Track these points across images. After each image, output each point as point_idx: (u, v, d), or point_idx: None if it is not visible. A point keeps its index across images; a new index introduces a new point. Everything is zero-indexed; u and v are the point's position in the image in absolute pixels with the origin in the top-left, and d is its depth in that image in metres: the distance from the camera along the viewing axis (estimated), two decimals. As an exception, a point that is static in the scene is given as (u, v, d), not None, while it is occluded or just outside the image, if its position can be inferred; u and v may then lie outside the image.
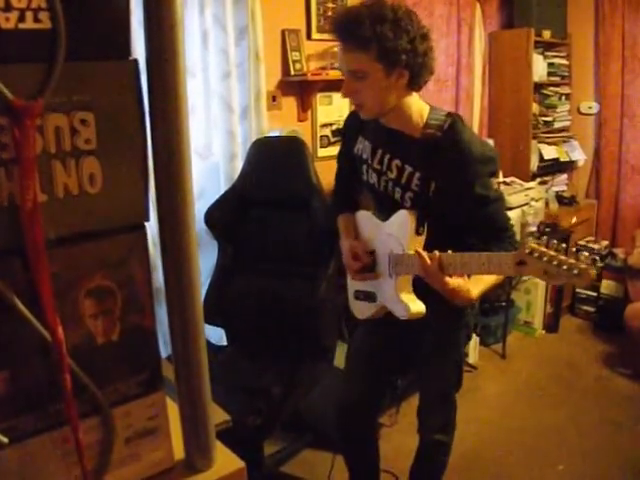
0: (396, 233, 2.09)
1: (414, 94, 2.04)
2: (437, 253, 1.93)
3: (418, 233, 2.02)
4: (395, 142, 2.08)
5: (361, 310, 2.35)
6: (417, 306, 2.07)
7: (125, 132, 0.82)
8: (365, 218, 2.30)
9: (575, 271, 1.53)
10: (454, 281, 1.93)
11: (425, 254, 1.93)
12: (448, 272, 1.91)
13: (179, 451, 1.00)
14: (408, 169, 2.07)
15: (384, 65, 1.89)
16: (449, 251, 1.91)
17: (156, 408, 0.94)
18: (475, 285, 2.02)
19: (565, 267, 1.54)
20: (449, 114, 2.07)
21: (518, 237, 4.27)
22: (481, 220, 2.05)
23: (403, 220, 2.06)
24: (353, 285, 2.36)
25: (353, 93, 2.00)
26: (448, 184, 2.01)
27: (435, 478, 2.60)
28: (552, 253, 1.58)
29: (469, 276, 2.00)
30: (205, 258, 3.12)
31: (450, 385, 2.47)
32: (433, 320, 2.18)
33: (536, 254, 1.60)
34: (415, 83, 1.98)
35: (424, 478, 2.64)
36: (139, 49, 0.85)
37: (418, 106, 2.07)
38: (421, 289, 2.09)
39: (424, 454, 2.58)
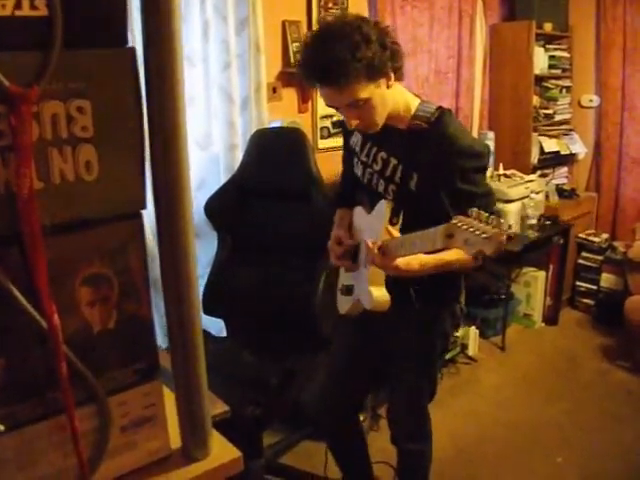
0: (374, 224, 2.08)
1: (398, 86, 2.03)
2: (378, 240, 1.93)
3: (392, 223, 2.00)
4: (383, 135, 2.05)
5: (341, 304, 2.35)
6: (381, 295, 2.04)
7: (122, 120, 0.81)
8: (358, 212, 2.29)
9: (484, 235, 1.53)
10: (402, 260, 1.89)
11: (370, 242, 1.93)
12: (394, 255, 1.88)
13: (176, 440, 1.00)
14: (393, 161, 2.07)
15: (375, 81, 1.88)
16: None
17: (152, 397, 0.95)
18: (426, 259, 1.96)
19: (478, 233, 1.54)
20: (439, 108, 2.05)
21: (518, 230, 4.27)
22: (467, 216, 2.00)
23: (380, 210, 2.06)
24: (340, 280, 2.36)
25: (358, 119, 1.96)
26: (430, 176, 1.99)
27: None
28: (474, 222, 1.57)
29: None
30: (205, 249, 3.12)
31: (420, 396, 2.43)
32: (404, 327, 2.21)
33: (462, 224, 1.59)
34: (399, 75, 1.97)
35: None
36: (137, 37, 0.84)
37: (404, 98, 2.05)
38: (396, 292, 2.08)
39: (402, 463, 2.60)
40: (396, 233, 1.92)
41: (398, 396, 2.47)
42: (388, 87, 1.94)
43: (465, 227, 1.57)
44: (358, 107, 1.91)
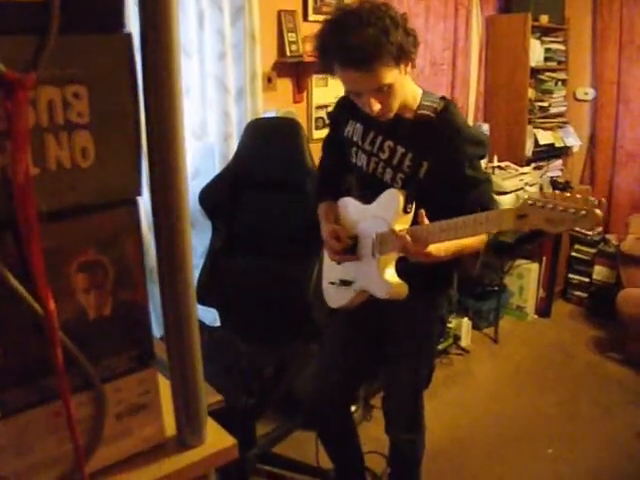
0: (382, 213, 2.08)
1: (407, 75, 2.03)
2: (407, 227, 1.94)
3: (406, 211, 2.01)
4: (388, 123, 2.06)
5: (336, 298, 2.35)
6: (399, 284, 2.06)
7: (118, 106, 0.81)
8: (347, 204, 2.28)
9: (583, 212, 1.54)
10: (433, 247, 1.89)
11: (397, 230, 1.94)
12: (427, 241, 1.88)
13: (171, 427, 1.00)
14: (400, 150, 2.07)
15: (399, 66, 1.89)
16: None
17: (148, 384, 0.95)
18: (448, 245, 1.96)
19: (572, 211, 1.55)
20: (443, 98, 2.09)
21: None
22: (469, 202, 1.99)
23: (391, 198, 2.05)
24: (329, 273, 2.37)
25: (382, 105, 1.96)
26: (440, 164, 2.01)
27: (409, 476, 2.61)
28: (555, 200, 1.59)
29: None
30: (200, 239, 3.12)
31: (418, 383, 2.45)
32: (403, 314, 2.23)
33: (539, 204, 1.60)
34: (414, 64, 1.98)
35: (399, 478, 2.66)
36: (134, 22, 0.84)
37: (411, 88, 2.07)
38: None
39: (395, 454, 2.60)
40: (426, 220, 1.90)
41: (396, 384, 2.47)
42: (406, 74, 1.96)
43: (542, 205, 1.59)
44: (381, 92, 1.91)
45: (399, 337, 2.36)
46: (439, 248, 1.91)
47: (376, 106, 1.94)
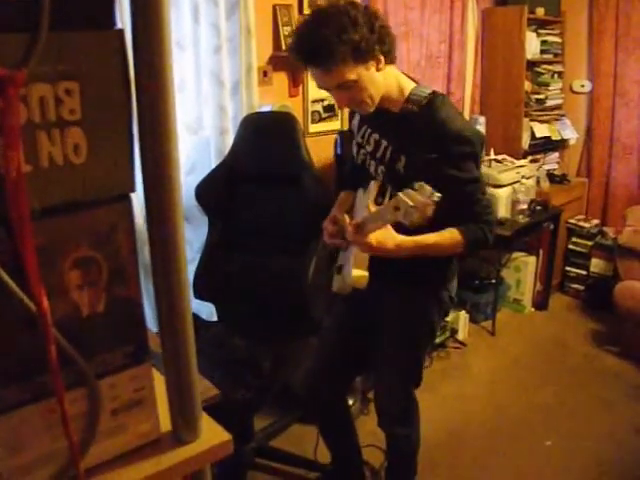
0: (363, 203, 2.13)
1: (392, 68, 2.07)
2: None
3: (377, 202, 2.03)
4: (377, 117, 2.10)
5: (334, 283, 2.35)
6: (357, 273, 2.08)
7: (110, 102, 0.81)
8: (359, 194, 2.33)
9: (411, 204, 1.59)
10: (374, 237, 1.90)
11: (346, 218, 2.00)
12: (367, 231, 1.90)
13: (166, 423, 1.00)
14: (384, 143, 2.11)
15: (363, 63, 1.92)
16: None
17: (142, 380, 0.95)
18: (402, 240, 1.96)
19: (411, 203, 1.60)
20: (433, 92, 2.07)
21: (508, 215, 4.28)
22: (454, 202, 1.89)
23: (369, 190, 2.11)
24: (338, 260, 2.38)
25: (348, 101, 2.03)
26: (417, 159, 2.01)
27: (405, 469, 2.62)
28: (412, 194, 1.62)
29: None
30: (196, 234, 3.12)
31: (405, 381, 2.45)
32: (388, 309, 2.27)
33: (405, 197, 1.63)
34: (390, 58, 2.01)
35: (395, 471, 2.67)
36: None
37: (398, 81, 2.09)
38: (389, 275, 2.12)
39: (391, 447, 2.62)
40: (373, 208, 1.93)
41: (383, 380, 2.48)
42: (378, 70, 1.98)
43: (406, 199, 1.61)
44: (347, 88, 1.95)
45: (383, 333, 2.37)
46: (383, 241, 1.92)
47: (340, 102, 2.05)
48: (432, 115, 2.00)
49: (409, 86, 2.09)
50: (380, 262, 2.03)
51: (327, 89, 2.03)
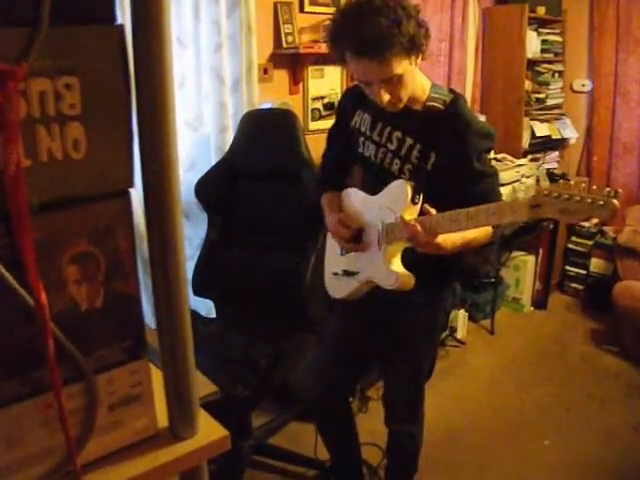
0: (389, 204, 2.07)
1: (416, 67, 2.04)
2: (419, 217, 1.94)
3: (414, 202, 2.01)
4: (397, 114, 2.07)
5: (338, 289, 2.34)
6: (406, 274, 2.06)
7: (110, 97, 0.81)
8: (352, 195, 2.29)
9: (600, 202, 1.56)
10: (441, 238, 1.89)
11: (408, 219, 1.93)
12: (437, 232, 1.87)
13: (163, 419, 1.00)
14: (409, 141, 2.08)
15: (410, 57, 1.91)
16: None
17: (140, 375, 0.95)
18: (455, 238, 1.96)
19: (589, 201, 1.57)
20: (452, 91, 2.11)
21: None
22: (475, 195, 1.97)
23: (399, 189, 2.05)
24: (332, 264, 2.36)
25: (392, 95, 1.97)
26: (448, 156, 2.02)
27: (407, 467, 2.62)
28: (570, 191, 1.61)
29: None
30: (196, 230, 3.11)
31: (420, 375, 2.45)
32: (409, 305, 2.23)
33: (554, 194, 1.62)
34: (425, 56, 1.99)
35: (397, 469, 2.67)
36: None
37: (420, 79, 2.08)
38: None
39: (394, 445, 2.60)
40: (433, 211, 1.90)
41: (397, 376, 2.46)
42: (416, 66, 1.98)
43: (557, 196, 1.60)
44: (391, 83, 1.93)
45: (400, 330, 2.35)
46: (446, 240, 1.91)
47: (385, 96, 1.96)
48: (460, 113, 2.04)
49: (428, 84, 2.11)
50: (412, 261, 2.06)
51: (369, 83, 1.97)
